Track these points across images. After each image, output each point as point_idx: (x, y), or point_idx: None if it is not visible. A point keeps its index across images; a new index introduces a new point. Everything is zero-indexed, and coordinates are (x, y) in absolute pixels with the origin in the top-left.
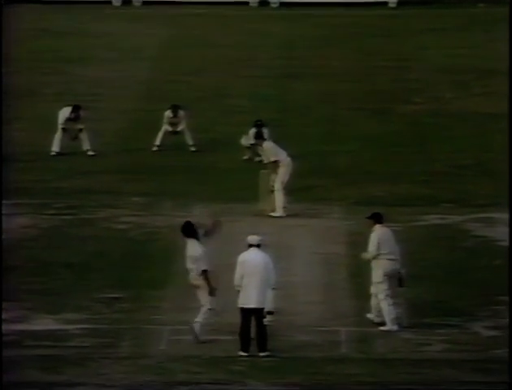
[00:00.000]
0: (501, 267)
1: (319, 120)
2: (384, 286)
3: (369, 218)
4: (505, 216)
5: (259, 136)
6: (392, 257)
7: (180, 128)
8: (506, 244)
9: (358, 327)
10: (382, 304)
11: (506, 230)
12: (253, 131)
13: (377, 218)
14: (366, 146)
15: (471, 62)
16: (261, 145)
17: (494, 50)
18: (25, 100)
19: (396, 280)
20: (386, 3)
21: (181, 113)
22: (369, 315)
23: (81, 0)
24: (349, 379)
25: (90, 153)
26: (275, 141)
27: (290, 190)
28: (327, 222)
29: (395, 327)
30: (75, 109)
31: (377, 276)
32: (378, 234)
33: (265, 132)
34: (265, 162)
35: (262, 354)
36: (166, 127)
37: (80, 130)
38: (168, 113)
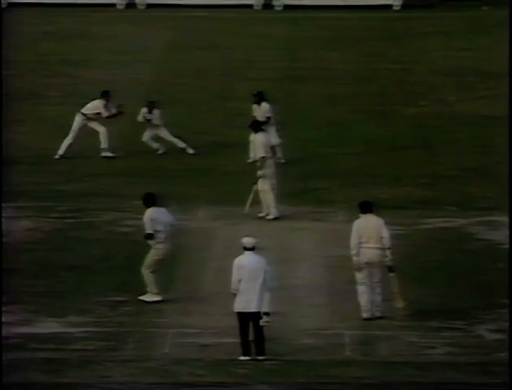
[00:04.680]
0: (504, 270)
1: (323, 123)
2: (360, 274)
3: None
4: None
5: (254, 125)
6: (370, 245)
7: (155, 123)
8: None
9: (362, 329)
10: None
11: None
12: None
13: (360, 208)
14: (369, 149)
15: (475, 65)
16: (254, 133)
17: (498, 53)
18: (28, 102)
19: (385, 270)
20: (390, 6)
21: (156, 111)
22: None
23: (85, 3)
24: (353, 381)
25: (106, 154)
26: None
27: (293, 193)
28: (330, 224)
29: (365, 315)
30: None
31: (355, 264)
32: (355, 223)
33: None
34: (250, 160)
35: (260, 358)
36: (140, 120)
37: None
38: (144, 109)
